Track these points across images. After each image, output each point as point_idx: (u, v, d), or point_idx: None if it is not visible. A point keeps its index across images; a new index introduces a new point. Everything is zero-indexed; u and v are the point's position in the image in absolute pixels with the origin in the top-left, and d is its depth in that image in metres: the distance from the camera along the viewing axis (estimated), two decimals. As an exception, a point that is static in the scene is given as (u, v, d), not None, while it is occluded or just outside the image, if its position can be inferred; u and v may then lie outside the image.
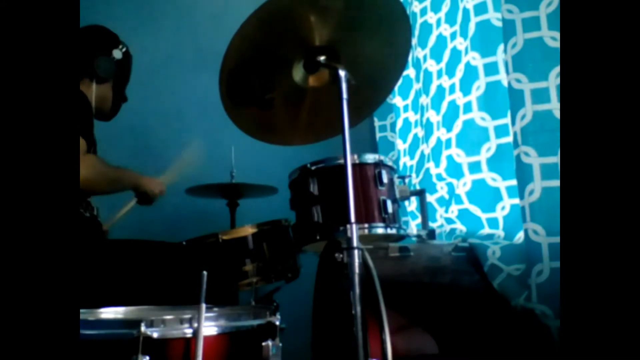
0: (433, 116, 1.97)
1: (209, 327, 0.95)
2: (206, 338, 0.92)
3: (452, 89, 1.85)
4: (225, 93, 1.29)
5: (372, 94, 1.44)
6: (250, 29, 1.20)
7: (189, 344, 0.91)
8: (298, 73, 1.34)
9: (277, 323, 1.05)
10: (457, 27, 1.86)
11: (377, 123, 2.46)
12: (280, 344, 1.05)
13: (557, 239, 1.21)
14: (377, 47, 1.34)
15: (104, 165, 1.68)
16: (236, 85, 1.29)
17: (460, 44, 1.83)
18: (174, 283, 1.50)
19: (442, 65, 1.95)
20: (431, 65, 2.02)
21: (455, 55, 1.85)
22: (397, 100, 2.34)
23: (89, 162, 1.59)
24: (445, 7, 1.95)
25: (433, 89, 1.99)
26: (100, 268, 1.47)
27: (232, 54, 1.23)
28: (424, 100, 2.05)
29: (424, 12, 2.09)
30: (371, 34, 1.31)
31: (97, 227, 1.77)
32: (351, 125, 1.13)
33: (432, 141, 1.96)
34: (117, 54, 1.79)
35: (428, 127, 2.00)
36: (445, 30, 1.94)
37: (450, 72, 1.87)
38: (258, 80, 1.32)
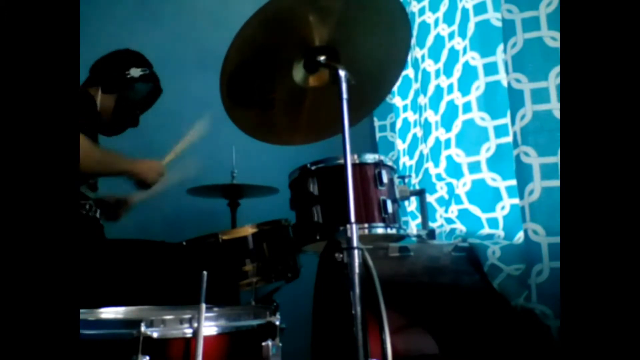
0: (431, 116, 1.97)
1: (209, 327, 0.95)
2: (206, 338, 0.92)
3: (450, 88, 1.85)
4: (226, 93, 1.29)
5: (371, 93, 1.44)
6: (250, 30, 1.20)
7: (189, 344, 0.92)
8: (298, 73, 1.34)
9: (277, 323, 1.05)
10: (455, 27, 1.86)
11: (377, 123, 2.46)
12: (280, 344, 1.05)
13: (557, 239, 1.21)
14: (376, 46, 1.34)
15: (92, 146, 1.63)
16: (237, 86, 1.29)
17: (458, 43, 1.83)
18: (174, 283, 1.50)
19: (440, 65, 1.95)
20: (429, 65, 2.02)
21: (453, 55, 1.85)
22: (396, 100, 2.34)
23: None
24: (443, 7, 1.95)
25: (431, 88, 1.99)
26: (100, 268, 1.47)
27: (233, 55, 1.23)
28: (422, 100, 2.05)
29: (422, 11, 2.10)
30: (371, 34, 1.31)
31: (98, 227, 1.77)
32: (351, 125, 1.13)
33: (431, 141, 1.96)
34: (134, 72, 1.82)
35: (426, 127, 2.00)
36: (443, 30, 1.94)
37: (448, 72, 1.87)
38: (258, 81, 1.32)
